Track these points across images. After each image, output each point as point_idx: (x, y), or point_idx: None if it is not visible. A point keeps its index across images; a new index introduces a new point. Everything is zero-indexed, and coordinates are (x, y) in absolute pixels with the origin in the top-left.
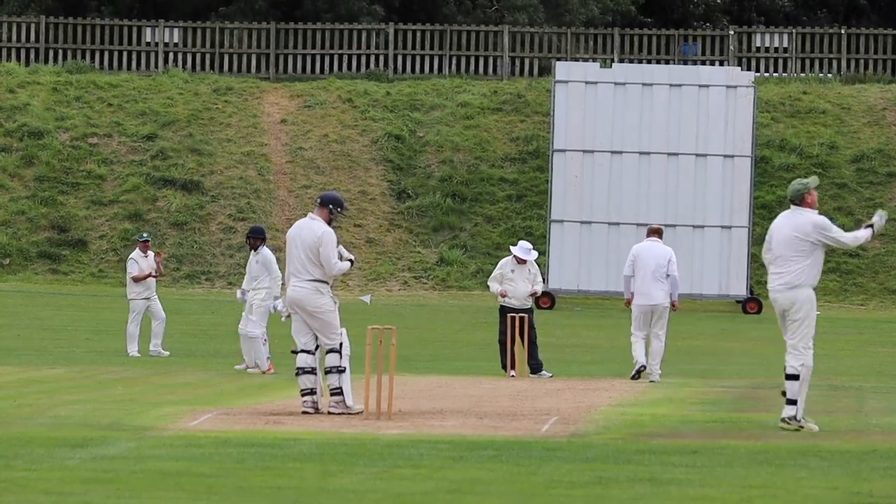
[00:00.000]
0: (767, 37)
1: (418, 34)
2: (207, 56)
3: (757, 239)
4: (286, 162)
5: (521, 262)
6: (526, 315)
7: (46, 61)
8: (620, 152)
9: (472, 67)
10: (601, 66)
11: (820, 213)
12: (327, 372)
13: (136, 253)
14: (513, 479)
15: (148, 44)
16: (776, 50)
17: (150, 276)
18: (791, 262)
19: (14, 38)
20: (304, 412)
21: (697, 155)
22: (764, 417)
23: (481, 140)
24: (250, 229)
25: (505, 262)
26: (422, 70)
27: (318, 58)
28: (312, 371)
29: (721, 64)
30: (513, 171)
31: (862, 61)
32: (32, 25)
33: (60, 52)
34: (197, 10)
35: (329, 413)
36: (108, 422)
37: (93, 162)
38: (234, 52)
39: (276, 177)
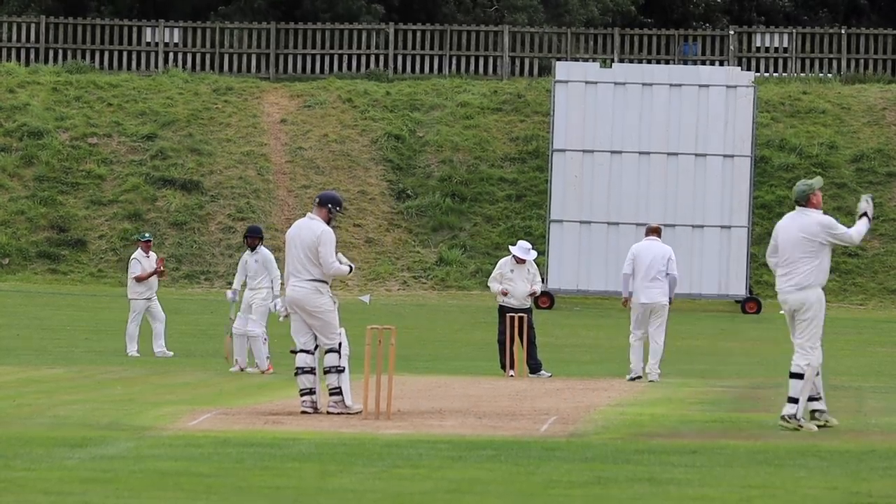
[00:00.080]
0: (767, 37)
1: (418, 34)
2: (207, 56)
3: (756, 239)
4: (286, 162)
5: (521, 261)
6: (525, 315)
7: (46, 61)
8: (620, 152)
9: (472, 67)
10: (601, 66)
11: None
12: (326, 372)
13: (139, 253)
14: (512, 479)
15: (148, 44)
16: (776, 50)
17: (153, 274)
18: (800, 263)
19: (14, 38)
20: (304, 412)
21: (697, 155)
22: (763, 417)
23: (481, 140)
24: (248, 229)
25: (504, 262)
26: (422, 70)
27: (318, 58)
28: (311, 371)
29: (721, 64)
30: (512, 170)
31: (862, 61)
32: (32, 25)
33: (60, 52)
34: (196, 10)
35: (328, 413)
36: (108, 422)
37: (92, 162)
38: (234, 52)
39: (276, 177)
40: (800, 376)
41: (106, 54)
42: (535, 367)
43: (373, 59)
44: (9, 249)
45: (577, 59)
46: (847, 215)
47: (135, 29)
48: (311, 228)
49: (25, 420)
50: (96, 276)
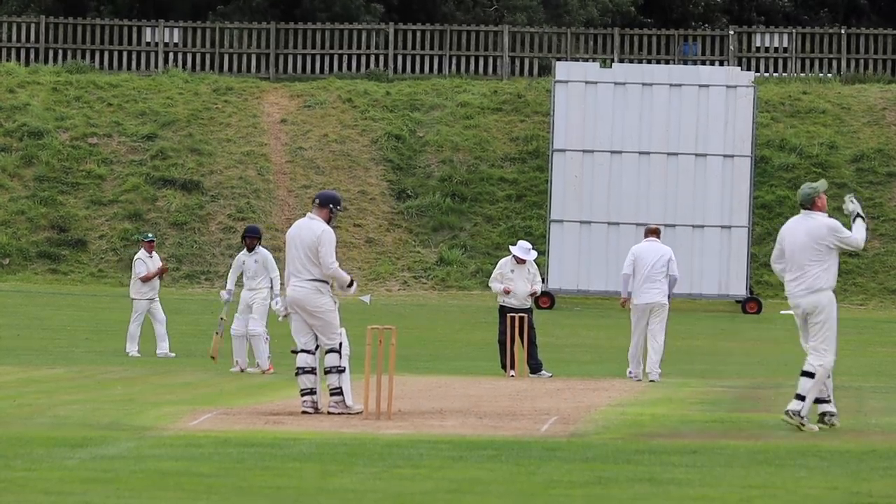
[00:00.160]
0: (767, 37)
1: (418, 34)
2: (207, 56)
3: (757, 239)
4: (286, 162)
5: (521, 261)
6: (525, 315)
7: (46, 61)
8: (620, 152)
9: (472, 67)
10: (601, 66)
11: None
12: (327, 372)
13: (142, 253)
14: (512, 479)
15: (148, 44)
16: (776, 50)
17: (157, 273)
18: (809, 266)
19: (14, 38)
20: (304, 412)
21: (697, 155)
22: (764, 417)
23: (481, 140)
24: (246, 229)
25: (504, 262)
26: (422, 70)
27: (318, 58)
28: (312, 371)
29: (721, 64)
30: (512, 170)
31: (862, 61)
32: (32, 25)
33: (60, 52)
34: (196, 10)
35: (329, 413)
36: (108, 422)
37: (93, 162)
38: (234, 51)
39: (276, 177)
40: (811, 375)
41: (106, 54)
42: (535, 367)
43: (373, 59)
44: (9, 249)
45: (577, 59)
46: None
47: (135, 29)
48: (311, 228)
49: (25, 420)
50: (96, 276)
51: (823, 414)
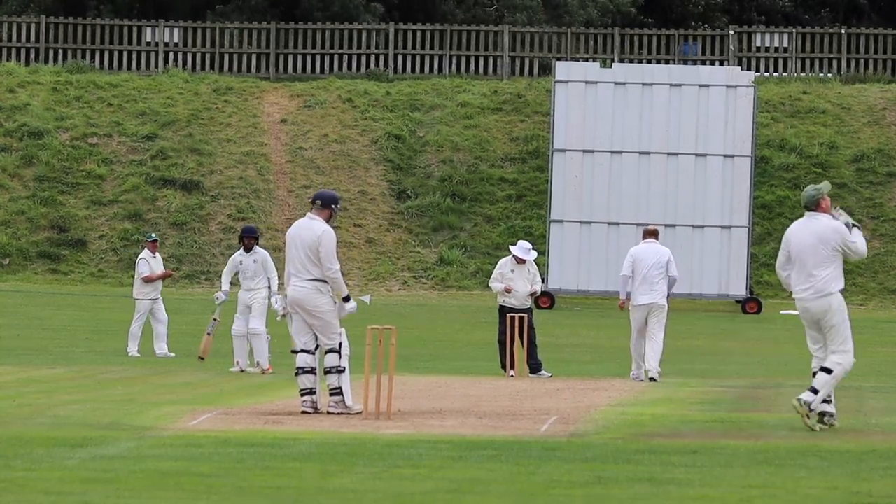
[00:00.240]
0: (767, 37)
1: (418, 34)
2: (207, 56)
3: (757, 239)
4: (286, 162)
5: (521, 261)
6: (525, 315)
7: (46, 61)
8: (620, 152)
9: (472, 67)
10: (601, 66)
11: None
12: (327, 372)
13: (146, 253)
14: (512, 479)
15: (148, 44)
16: (776, 50)
17: (161, 277)
18: (818, 268)
19: (14, 37)
20: (304, 412)
21: (697, 155)
22: (764, 417)
23: (481, 140)
24: (244, 229)
25: (504, 262)
26: (422, 70)
27: (318, 58)
28: (312, 371)
29: (721, 64)
30: (513, 170)
31: (862, 61)
32: (32, 25)
33: (60, 51)
34: (196, 9)
35: (328, 413)
36: (108, 422)
37: (93, 162)
38: (234, 51)
39: (276, 177)
40: (829, 371)
41: (106, 54)
42: (535, 367)
43: (373, 58)
44: (9, 249)
45: (577, 59)
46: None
47: (135, 29)
48: (311, 229)
49: (25, 420)
50: (97, 276)
51: (823, 414)
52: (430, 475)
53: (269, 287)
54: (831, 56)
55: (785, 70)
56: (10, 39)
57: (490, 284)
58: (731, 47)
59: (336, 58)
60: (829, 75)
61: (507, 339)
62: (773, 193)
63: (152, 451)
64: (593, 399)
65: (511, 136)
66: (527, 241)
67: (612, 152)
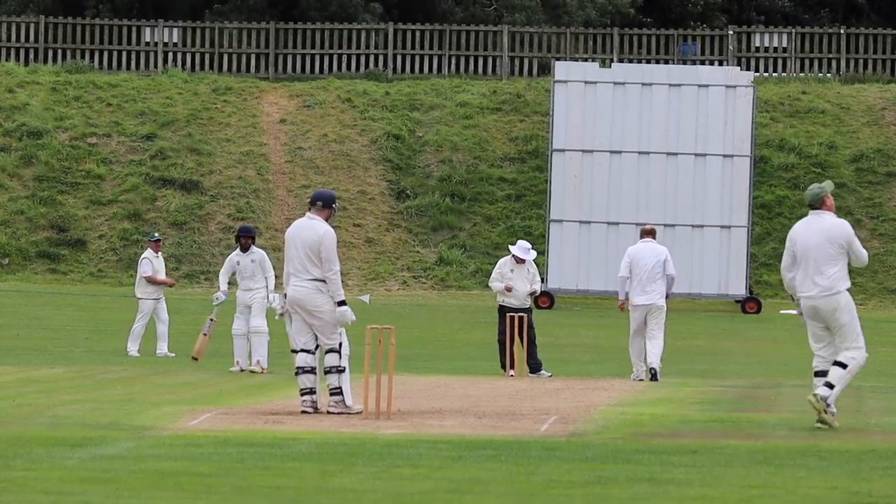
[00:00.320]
0: (767, 37)
1: (417, 34)
2: (206, 56)
3: (756, 239)
4: (285, 162)
5: (520, 261)
6: (525, 315)
7: (46, 61)
8: (620, 152)
9: (471, 67)
10: (600, 66)
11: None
12: (327, 372)
13: (149, 252)
14: (512, 479)
15: (147, 44)
16: (775, 50)
17: (163, 283)
18: (826, 267)
19: (13, 37)
20: (304, 412)
21: (697, 155)
22: (763, 417)
23: (480, 140)
24: (241, 229)
25: (504, 262)
26: (421, 70)
27: (317, 58)
28: (312, 370)
29: (720, 64)
30: (512, 170)
31: (861, 61)
32: (32, 25)
33: (59, 52)
34: (195, 9)
35: (328, 413)
36: (107, 422)
37: (92, 162)
38: (234, 51)
39: (276, 176)
40: (843, 366)
41: (105, 54)
42: (535, 366)
43: (372, 58)
44: (9, 249)
45: (576, 59)
46: (847, 215)
47: (134, 29)
48: (313, 228)
49: (25, 420)
50: (96, 276)
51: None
52: (429, 475)
53: (267, 286)
54: (830, 56)
55: (784, 70)
56: (9, 39)
57: (490, 284)
58: (731, 47)
59: (335, 58)
60: (829, 75)
61: (506, 338)
62: (772, 193)
63: (152, 450)
64: (593, 399)
65: (510, 136)
66: (526, 240)
67: (612, 152)
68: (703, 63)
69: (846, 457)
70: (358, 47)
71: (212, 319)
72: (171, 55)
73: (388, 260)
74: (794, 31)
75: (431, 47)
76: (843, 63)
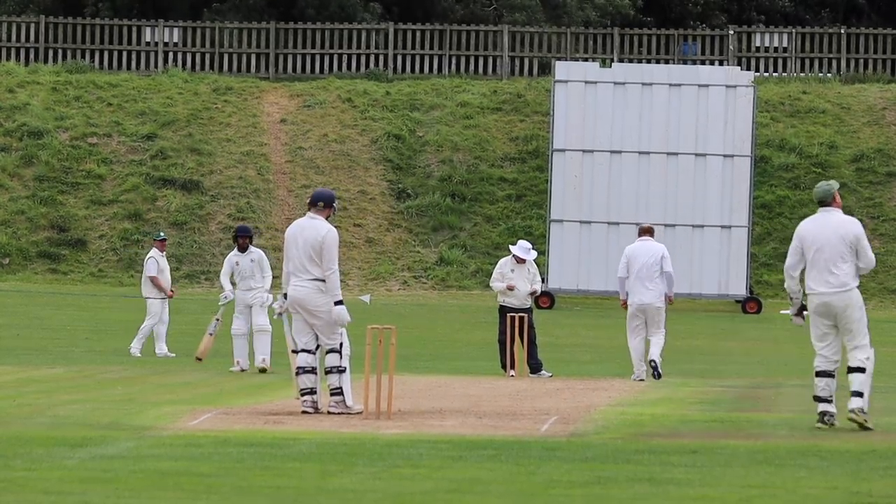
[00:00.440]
0: (767, 36)
1: (418, 34)
2: (207, 56)
3: (756, 239)
4: (286, 162)
5: (521, 261)
6: (525, 315)
7: (46, 61)
8: (620, 152)
9: (471, 67)
10: (601, 66)
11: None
12: (327, 372)
13: (155, 252)
14: (512, 479)
15: (147, 43)
16: (776, 50)
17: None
18: (838, 263)
19: (14, 37)
20: (304, 412)
21: (697, 155)
22: (764, 417)
23: (481, 140)
24: (238, 229)
25: (504, 262)
26: (421, 70)
27: (317, 57)
28: (312, 370)
29: (721, 64)
30: (512, 170)
31: (862, 61)
32: (32, 25)
33: (60, 51)
34: (195, 9)
35: (328, 413)
36: (108, 421)
37: (92, 162)
38: (234, 51)
39: (276, 176)
40: (861, 370)
41: (105, 54)
42: (535, 366)
43: (372, 58)
44: (9, 249)
45: (576, 59)
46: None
47: (134, 29)
48: (315, 228)
49: (25, 420)
50: (96, 276)
51: (823, 413)
52: (429, 475)
53: (264, 286)
54: (831, 56)
55: (784, 70)
56: (9, 39)
57: (491, 284)
58: (731, 47)
59: (335, 58)
60: (829, 75)
61: (507, 338)
62: (772, 193)
63: (152, 450)
64: (593, 399)
65: (511, 136)
66: (527, 240)
67: (612, 152)
68: (703, 63)
69: (846, 457)
70: (358, 47)
71: (217, 319)
72: (171, 55)
73: (388, 260)
74: (794, 30)
75: (432, 47)
76: (843, 63)
